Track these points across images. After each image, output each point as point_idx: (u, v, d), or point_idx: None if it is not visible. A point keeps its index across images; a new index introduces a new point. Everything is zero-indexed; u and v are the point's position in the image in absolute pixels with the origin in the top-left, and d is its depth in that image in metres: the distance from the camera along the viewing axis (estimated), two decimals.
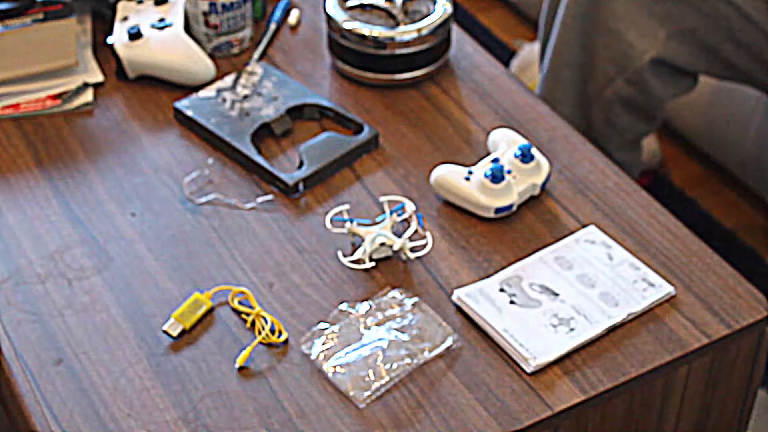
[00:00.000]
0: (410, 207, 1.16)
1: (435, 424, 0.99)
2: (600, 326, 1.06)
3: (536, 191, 1.19)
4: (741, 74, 1.54)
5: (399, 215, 1.15)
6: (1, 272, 1.13)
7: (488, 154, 1.23)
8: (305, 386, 1.02)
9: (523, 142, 1.21)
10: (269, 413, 1.00)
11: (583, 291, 1.09)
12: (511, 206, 1.16)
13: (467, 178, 1.17)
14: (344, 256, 1.12)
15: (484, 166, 1.18)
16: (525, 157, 1.18)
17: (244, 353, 1.03)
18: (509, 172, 1.18)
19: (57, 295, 1.10)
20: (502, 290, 1.09)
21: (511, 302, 1.08)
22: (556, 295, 1.09)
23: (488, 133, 1.24)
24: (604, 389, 1.02)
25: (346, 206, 1.16)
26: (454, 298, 1.08)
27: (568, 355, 1.04)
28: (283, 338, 1.05)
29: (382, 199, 1.18)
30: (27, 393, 1.02)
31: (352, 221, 1.14)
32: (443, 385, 1.02)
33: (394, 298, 1.09)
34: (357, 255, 1.12)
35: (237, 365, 1.03)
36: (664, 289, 1.09)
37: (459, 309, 1.08)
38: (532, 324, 1.06)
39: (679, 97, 1.63)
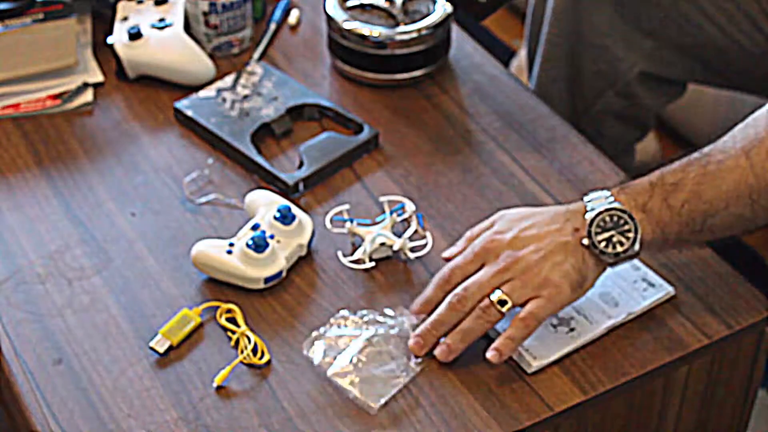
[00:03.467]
0: (410, 207, 1.16)
1: (435, 424, 0.99)
2: (600, 326, 1.06)
3: (303, 251, 1.12)
4: (731, 84, 1.54)
5: (399, 215, 1.15)
6: (1, 272, 1.13)
7: (250, 218, 1.15)
8: (305, 386, 1.02)
9: (282, 202, 1.13)
10: (269, 413, 1.00)
11: None
12: (279, 273, 1.09)
13: (229, 251, 1.09)
14: (344, 256, 1.12)
15: (246, 235, 1.11)
16: (285, 218, 1.11)
17: (223, 373, 1.02)
18: (272, 237, 1.10)
19: (57, 295, 1.10)
20: None
21: None
22: None
23: (244, 196, 1.18)
24: (604, 389, 1.02)
25: (346, 206, 1.16)
26: None
27: (568, 355, 1.04)
28: (265, 360, 1.04)
29: (382, 199, 1.18)
30: (27, 393, 1.02)
31: (352, 221, 1.14)
32: (443, 385, 1.02)
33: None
34: (357, 255, 1.12)
35: (215, 384, 1.02)
36: (663, 289, 1.09)
37: None
38: None
39: (670, 104, 1.63)
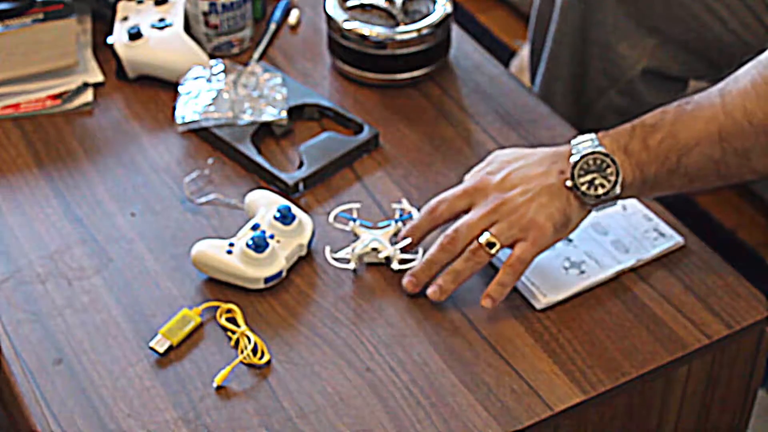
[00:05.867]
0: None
1: (435, 424, 0.99)
2: (610, 270, 1.10)
3: (303, 252, 1.12)
4: None
5: (404, 224, 1.14)
6: (1, 272, 1.13)
7: (250, 218, 1.15)
8: (305, 386, 1.02)
9: (282, 202, 1.14)
10: (269, 413, 1.00)
11: (595, 238, 1.14)
12: (279, 273, 1.09)
13: (229, 251, 1.09)
14: (333, 251, 1.12)
15: (246, 235, 1.11)
16: (285, 218, 1.11)
17: (223, 373, 1.02)
18: (272, 237, 1.11)
19: (57, 295, 1.10)
20: None
21: None
22: (570, 240, 1.13)
23: (244, 196, 1.18)
24: (604, 389, 1.02)
25: (357, 205, 1.16)
26: None
27: (569, 357, 1.04)
28: (265, 360, 1.04)
29: (395, 206, 1.17)
30: (27, 393, 1.02)
31: (355, 221, 1.14)
32: (443, 385, 1.02)
33: None
34: (342, 253, 1.12)
35: (215, 384, 1.02)
36: (673, 239, 1.13)
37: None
38: (544, 265, 1.10)
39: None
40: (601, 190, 1.05)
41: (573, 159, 1.06)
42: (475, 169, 1.12)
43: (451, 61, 1.39)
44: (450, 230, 1.07)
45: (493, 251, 1.05)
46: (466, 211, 1.08)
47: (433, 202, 1.10)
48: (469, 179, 1.10)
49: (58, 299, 1.10)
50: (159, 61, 1.33)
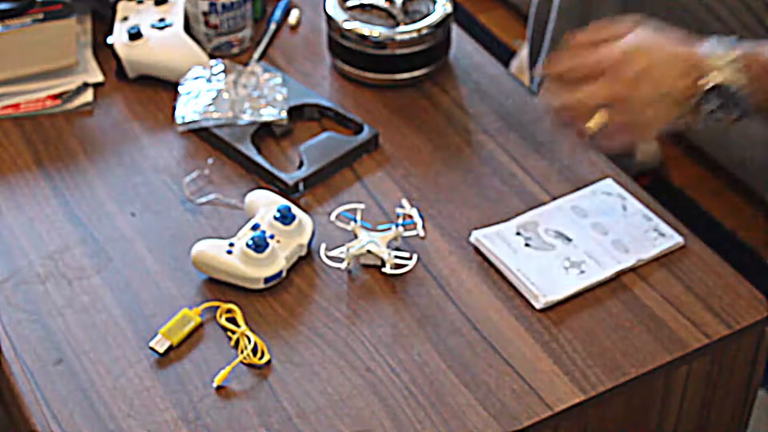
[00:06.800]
0: (420, 230, 1.14)
1: (435, 424, 0.99)
2: (609, 270, 1.10)
3: (303, 252, 1.12)
4: None
5: (405, 229, 1.14)
6: (1, 272, 1.13)
7: (250, 218, 1.15)
8: (305, 386, 1.02)
9: (282, 202, 1.14)
10: (269, 413, 1.00)
11: (595, 237, 1.14)
12: (280, 273, 1.10)
13: (229, 251, 1.09)
14: (329, 250, 1.12)
15: (245, 235, 1.11)
16: (285, 218, 1.11)
17: (223, 373, 1.02)
18: (272, 237, 1.11)
19: (57, 295, 1.10)
20: (518, 233, 1.14)
21: (527, 245, 1.13)
22: (570, 240, 1.13)
23: (244, 196, 1.18)
24: (604, 389, 1.02)
25: (362, 206, 1.16)
26: (472, 239, 1.11)
27: (569, 357, 1.04)
28: (265, 360, 1.04)
29: (398, 210, 1.17)
30: (27, 393, 1.02)
31: (355, 221, 1.14)
32: (443, 385, 1.02)
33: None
34: (336, 252, 1.12)
35: (215, 384, 1.02)
36: (674, 239, 1.13)
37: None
38: (544, 265, 1.11)
39: None
40: (717, 121, 1.06)
41: (708, 84, 1.05)
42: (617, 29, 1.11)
43: (451, 61, 1.39)
44: (573, 99, 1.07)
45: (591, 125, 1.06)
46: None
47: (577, 57, 1.10)
48: (611, 48, 1.08)
49: (58, 299, 1.10)
50: (159, 61, 1.33)
